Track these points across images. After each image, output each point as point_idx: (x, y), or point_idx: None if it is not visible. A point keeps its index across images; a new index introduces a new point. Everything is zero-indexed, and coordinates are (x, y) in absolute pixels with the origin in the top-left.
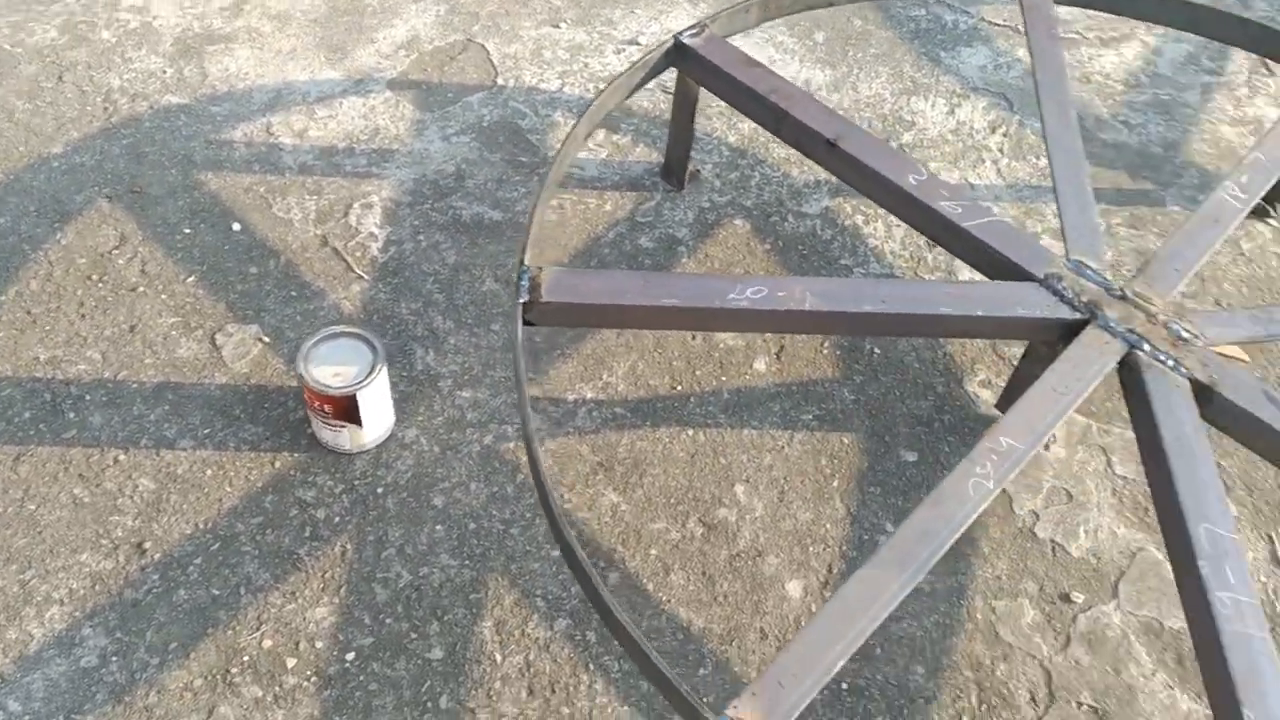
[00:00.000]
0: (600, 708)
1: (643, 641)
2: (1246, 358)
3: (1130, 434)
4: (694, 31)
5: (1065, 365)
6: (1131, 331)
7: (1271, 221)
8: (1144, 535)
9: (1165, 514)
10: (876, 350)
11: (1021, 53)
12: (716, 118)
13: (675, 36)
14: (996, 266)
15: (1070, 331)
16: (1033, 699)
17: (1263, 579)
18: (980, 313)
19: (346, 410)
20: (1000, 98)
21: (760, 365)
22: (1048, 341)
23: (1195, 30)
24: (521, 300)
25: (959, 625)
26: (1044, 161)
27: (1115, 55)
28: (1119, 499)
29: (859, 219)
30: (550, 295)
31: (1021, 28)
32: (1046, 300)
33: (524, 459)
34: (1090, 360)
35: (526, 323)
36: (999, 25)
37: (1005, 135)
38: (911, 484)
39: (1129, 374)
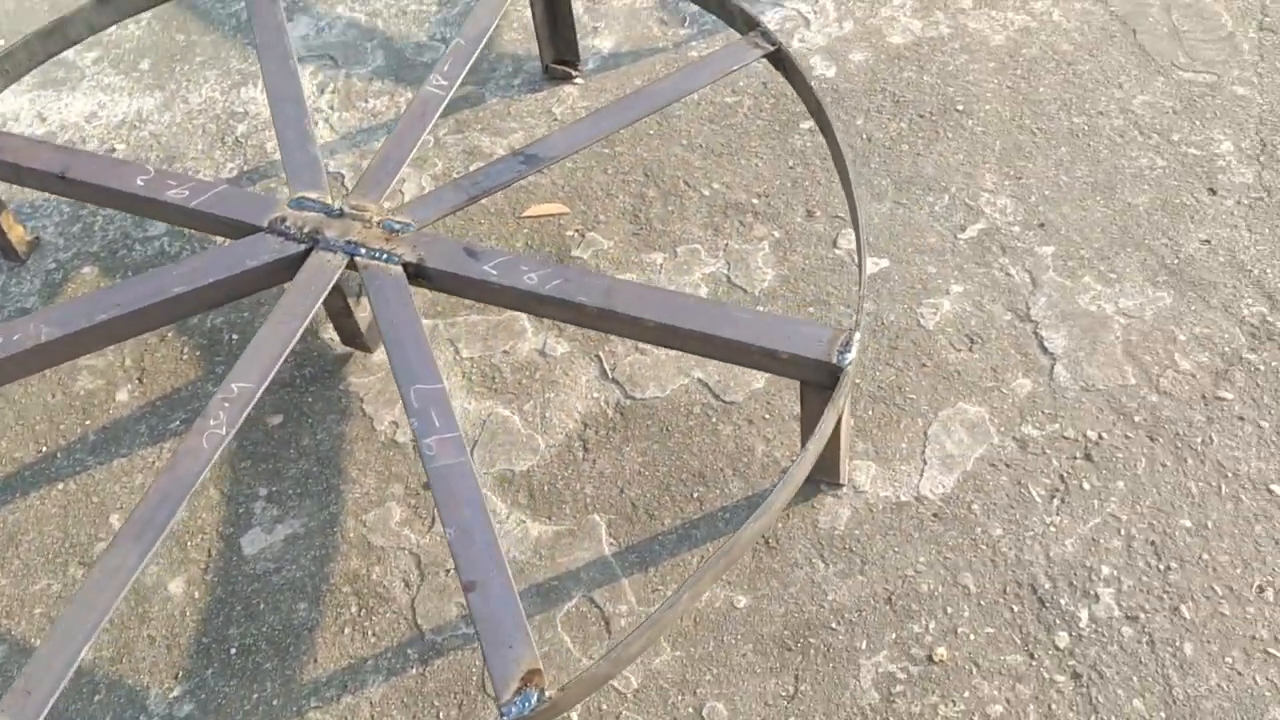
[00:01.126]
0: None
1: None
2: (565, 209)
3: (472, 318)
4: None
5: (291, 296)
6: (350, 242)
7: (578, 81)
8: (492, 402)
9: (397, 383)
10: (234, 337)
11: (341, 9)
12: None
13: None
14: (232, 229)
15: (299, 264)
16: (406, 584)
17: (595, 394)
18: (212, 279)
19: None
20: (326, 58)
21: (123, 395)
22: (285, 281)
23: None
24: None
25: (335, 551)
26: (372, 103)
27: None
28: (468, 378)
29: None
30: None
31: None
32: (273, 244)
33: None
34: (313, 283)
35: None
36: None
37: (334, 91)
38: (280, 444)
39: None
